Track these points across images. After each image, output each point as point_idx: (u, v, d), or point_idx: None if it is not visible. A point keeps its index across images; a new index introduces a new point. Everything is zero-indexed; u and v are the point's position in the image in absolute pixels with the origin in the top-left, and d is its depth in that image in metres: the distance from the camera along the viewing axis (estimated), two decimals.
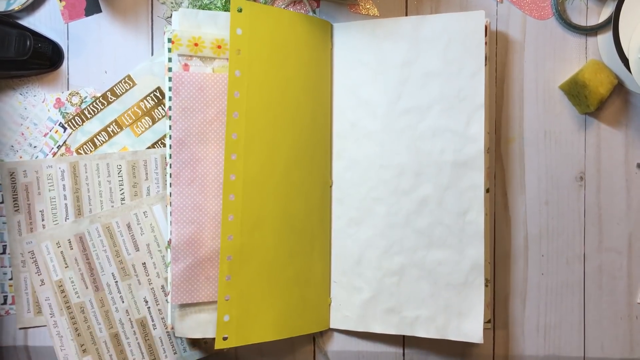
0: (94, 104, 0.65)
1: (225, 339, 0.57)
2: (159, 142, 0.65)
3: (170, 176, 0.59)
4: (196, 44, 0.59)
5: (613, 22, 0.60)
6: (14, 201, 0.64)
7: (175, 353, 0.64)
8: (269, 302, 0.59)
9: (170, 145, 0.59)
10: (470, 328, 0.59)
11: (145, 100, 0.65)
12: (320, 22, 0.63)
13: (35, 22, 0.65)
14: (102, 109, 0.65)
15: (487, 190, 0.62)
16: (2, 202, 0.64)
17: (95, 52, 0.65)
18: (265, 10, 0.59)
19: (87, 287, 0.64)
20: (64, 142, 0.65)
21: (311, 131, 0.62)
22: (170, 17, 0.65)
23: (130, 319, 0.64)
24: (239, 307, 0.57)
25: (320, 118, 0.63)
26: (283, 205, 0.60)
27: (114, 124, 0.65)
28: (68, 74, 0.65)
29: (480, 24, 0.60)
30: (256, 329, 0.58)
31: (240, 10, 0.57)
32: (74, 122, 0.65)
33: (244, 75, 0.58)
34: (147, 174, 0.65)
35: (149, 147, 0.65)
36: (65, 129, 0.65)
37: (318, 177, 0.63)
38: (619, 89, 0.63)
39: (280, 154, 0.60)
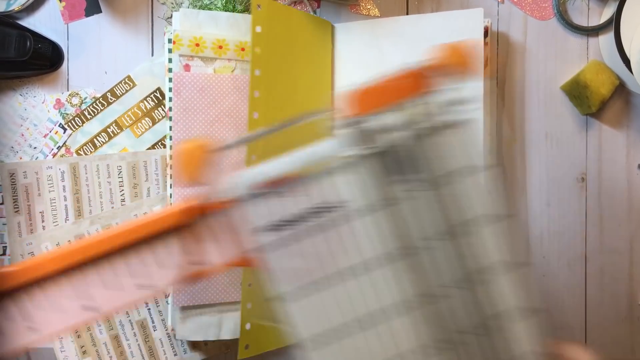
0: (94, 104, 0.65)
1: (247, 347, 0.56)
2: (159, 143, 0.65)
3: (171, 177, 0.59)
4: (197, 44, 0.59)
5: (614, 23, 0.60)
6: (14, 202, 0.64)
7: (175, 355, 0.64)
8: None
9: (170, 146, 0.59)
10: None
11: (145, 101, 0.65)
12: (322, 22, 0.62)
13: (35, 22, 0.65)
14: (102, 110, 0.65)
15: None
16: (2, 203, 0.64)
17: (95, 53, 0.65)
18: (279, 9, 0.58)
19: None
20: (64, 143, 0.65)
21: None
22: (171, 17, 0.65)
23: (130, 320, 0.64)
24: (259, 315, 0.57)
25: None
26: None
27: (114, 124, 0.65)
28: (68, 74, 0.65)
29: (479, 22, 0.59)
30: (272, 336, 0.58)
31: (259, 8, 0.57)
32: (73, 123, 0.65)
33: (263, 74, 0.57)
34: (147, 175, 0.64)
35: (149, 148, 0.65)
36: (65, 129, 0.65)
37: None
38: (621, 89, 0.63)
39: None
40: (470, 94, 0.37)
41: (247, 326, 0.56)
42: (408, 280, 0.36)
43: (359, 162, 0.35)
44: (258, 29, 0.57)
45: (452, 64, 0.36)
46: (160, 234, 0.39)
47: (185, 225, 0.39)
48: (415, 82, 0.36)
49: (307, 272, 0.37)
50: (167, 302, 0.62)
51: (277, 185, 0.37)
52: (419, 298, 0.36)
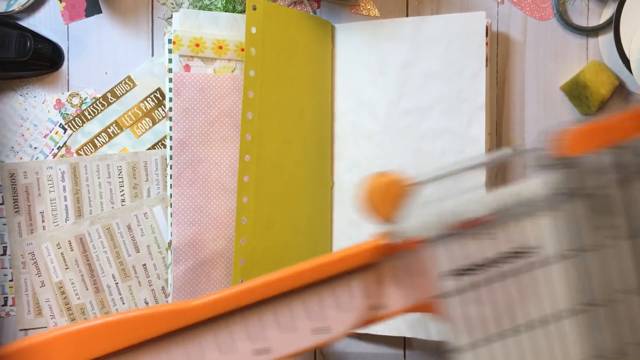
0: (94, 105, 0.65)
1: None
2: (159, 144, 0.65)
3: (171, 177, 0.59)
4: (197, 45, 0.59)
5: (614, 23, 0.60)
6: (14, 202, 0.64)
7: None
8: None
9: (170, 147, 0.59)
10: None
11: (145, 101, 0.65)
12: (323, 23, 0.63)
13: (36, 23, 0.65)
14: (102, 110, 0.65)
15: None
16: (3, 204, 0.64)
17: (95, 53, 0.65)
18: (277, 9, 0.59)
19: (87, 289, 0.64)
20: (64, 143, 0.65)
21: (315, 132, 0.62)
22: (171, 17, 0.65)
23: None
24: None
25: (323, 118, 0.63)
26: (290, 207, 0.60)
27: (114, 125, 0.65)
28: (68, 74, 0.65)
29: (481, 25, 0.60)
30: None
31: (254, 9, 0.57)
32: (74, 123, 0.65)
33: (257, 74, 0.57)
34: (147, 175, 0.64)
35: (149, 148, 0.65)
36: (65, 130, 0.65)
37: (320, 178, 0.63)
38: (620, 90, 0.63)
39: (289, 155, 0.60)
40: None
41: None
42: (597, 337, 0.32)
43: (564, 205, 0.32)
44: (253, 29, 0.57)
45: None
46: (343, 273, 0.36)
47: (368, 266, 0.36)
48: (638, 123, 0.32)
49: (487, 322, 0.33)
50: (167, 301, 0.62)
51: (470, 226, 0.34)
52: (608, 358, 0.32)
